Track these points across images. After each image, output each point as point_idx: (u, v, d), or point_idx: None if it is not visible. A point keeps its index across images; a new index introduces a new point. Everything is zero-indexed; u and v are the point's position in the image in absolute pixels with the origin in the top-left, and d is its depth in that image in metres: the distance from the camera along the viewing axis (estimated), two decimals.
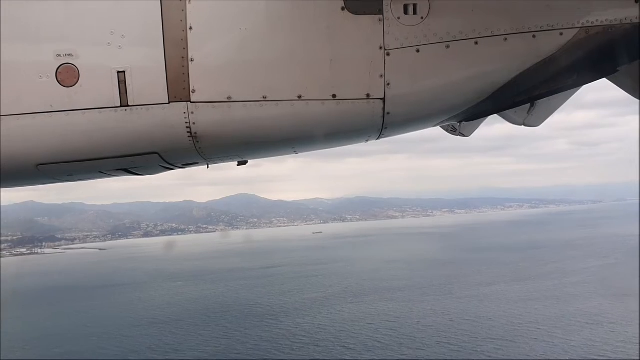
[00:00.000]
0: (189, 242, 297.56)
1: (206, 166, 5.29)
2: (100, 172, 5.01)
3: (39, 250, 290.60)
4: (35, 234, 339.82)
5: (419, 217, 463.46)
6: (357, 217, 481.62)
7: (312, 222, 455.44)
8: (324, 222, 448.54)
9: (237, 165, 5.54)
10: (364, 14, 4.27)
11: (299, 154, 5.52)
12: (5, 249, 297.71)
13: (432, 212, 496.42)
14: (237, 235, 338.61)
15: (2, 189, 5.71)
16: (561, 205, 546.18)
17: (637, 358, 61.44)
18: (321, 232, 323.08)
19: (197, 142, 4.50)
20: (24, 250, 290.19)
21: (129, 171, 5.05)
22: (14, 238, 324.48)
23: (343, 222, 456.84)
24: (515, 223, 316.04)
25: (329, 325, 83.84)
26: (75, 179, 5.32)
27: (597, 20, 4.24)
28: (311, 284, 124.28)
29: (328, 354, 69.16)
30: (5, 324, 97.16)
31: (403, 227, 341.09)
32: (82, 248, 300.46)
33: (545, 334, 70.91)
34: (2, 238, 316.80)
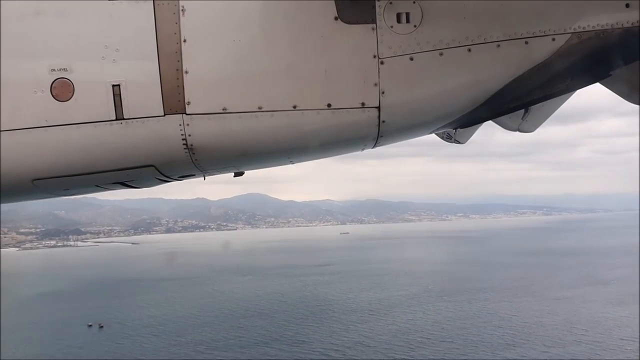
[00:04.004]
0: (216, 239, 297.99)
1: (202, 178, 5.24)
2: (96, 185, 4.97)
3: (71, 243, 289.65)
4: (57, 227, 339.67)
5: (435, 221, 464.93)
6: (374, 219, 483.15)
7: (329, 223, 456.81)
8: (341, 223, 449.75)
9: (234, 176, 5.53)
10: (357, 23, 4.28)
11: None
12: (33, 240, 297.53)
13: (447, 217, 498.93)
14: (265, 234, 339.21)
15: None
16: (573, 212, 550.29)
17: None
18: (348, 233, 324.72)
19: (193, 154, 4.48)
20: (54, 242, 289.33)
21: (125, 184, 5.01)
22: (37, 230, 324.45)
23: (361, 223, 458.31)
24: (540, 229, 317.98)
25: (443, 322, 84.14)
26: (71, 193, 5.23)
27: (589, 25, 4.24)
28: (386, 283, 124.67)
29: (468, 350, 69.53)
30: (106, 312, 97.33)
31: (428, 230, 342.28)
32: (112, 242, 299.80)
33: None
34: (26, 230, 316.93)
